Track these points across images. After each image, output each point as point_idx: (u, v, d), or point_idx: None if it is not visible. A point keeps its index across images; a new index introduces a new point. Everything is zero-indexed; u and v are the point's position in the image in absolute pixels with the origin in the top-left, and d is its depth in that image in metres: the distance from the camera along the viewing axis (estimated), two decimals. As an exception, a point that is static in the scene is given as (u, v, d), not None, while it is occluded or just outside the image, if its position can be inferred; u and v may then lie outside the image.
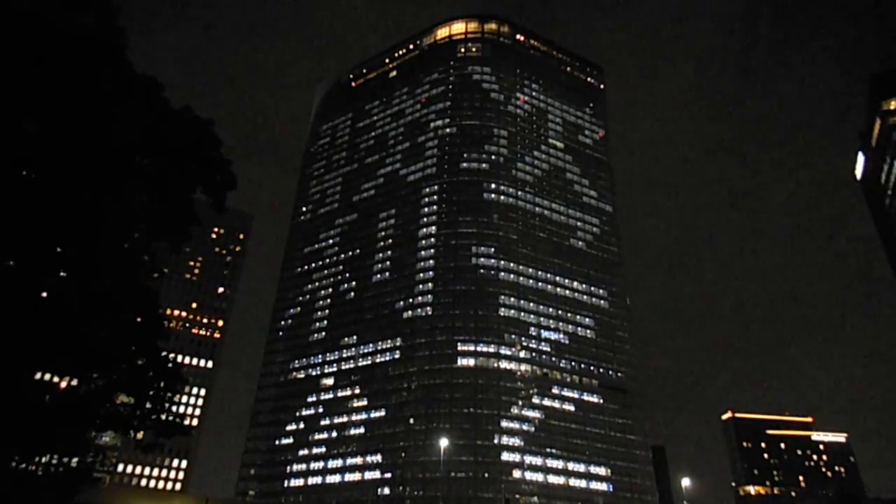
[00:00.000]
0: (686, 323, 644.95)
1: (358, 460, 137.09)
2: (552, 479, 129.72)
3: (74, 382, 22.61)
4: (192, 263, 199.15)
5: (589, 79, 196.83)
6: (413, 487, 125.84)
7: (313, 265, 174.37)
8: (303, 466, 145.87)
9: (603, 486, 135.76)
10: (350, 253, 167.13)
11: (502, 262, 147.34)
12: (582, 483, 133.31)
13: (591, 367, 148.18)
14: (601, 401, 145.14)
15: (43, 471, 22.66)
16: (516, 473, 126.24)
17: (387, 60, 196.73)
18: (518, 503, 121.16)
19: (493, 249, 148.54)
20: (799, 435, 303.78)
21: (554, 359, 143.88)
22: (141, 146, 21.98)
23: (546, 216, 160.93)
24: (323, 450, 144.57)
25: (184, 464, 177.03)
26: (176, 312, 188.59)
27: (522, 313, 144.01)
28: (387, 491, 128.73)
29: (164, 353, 24.16)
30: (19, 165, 19.51)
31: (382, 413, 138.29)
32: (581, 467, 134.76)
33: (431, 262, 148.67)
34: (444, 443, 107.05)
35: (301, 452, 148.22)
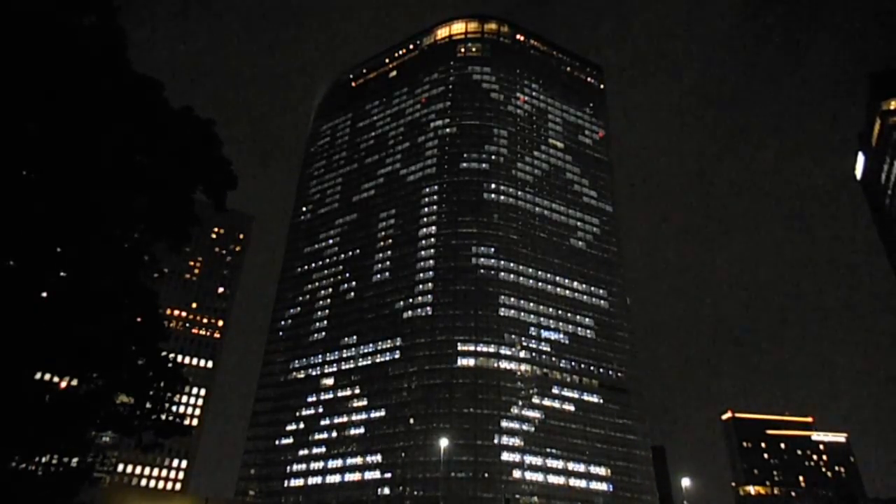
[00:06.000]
0: (686, 323, 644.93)
1: (358, 460, 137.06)
2: (552, 479, 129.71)
3: (74, 382, 22.60)
4: (192, 263, 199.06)
5: (589, 79, 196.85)
6: (413, 487, 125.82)
7: (313, 265, 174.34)
8: (303, 466, 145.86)
9: (603, 486, 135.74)
10: (350, 253, 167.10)
11: (502, 262, 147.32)
12: (582, 483, 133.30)
13: (591, 367, 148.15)
14: (601, 401, 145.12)
15: (43, 471, 22.62)
16: (516, 473, 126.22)
17: (387, 60, 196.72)
18: (518, 503, 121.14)
19: (493, 249, 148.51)
20: (799, 435, 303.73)
21: (554, 359, 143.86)
22: (141, 146, 21.97)
23: (546, 216, 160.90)
24: (323, 450, 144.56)
25: (184, 464, 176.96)
26: (176, 312, 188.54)
27: (522, 313, 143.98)
28: (387, 491, 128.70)
29: (164, 353, 24.14)
30: (19, 165, 19.50)
31: (382, 413, 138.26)
32: (581, 467, 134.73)
33: (431, 262, 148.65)
34: (444, 443, 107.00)
35: (301, 452, 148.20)
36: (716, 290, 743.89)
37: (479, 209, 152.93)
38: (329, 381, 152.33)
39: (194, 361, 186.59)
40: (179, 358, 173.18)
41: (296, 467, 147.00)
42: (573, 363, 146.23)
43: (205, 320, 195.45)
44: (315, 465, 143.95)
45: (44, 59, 18.84)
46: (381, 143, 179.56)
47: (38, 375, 21.80)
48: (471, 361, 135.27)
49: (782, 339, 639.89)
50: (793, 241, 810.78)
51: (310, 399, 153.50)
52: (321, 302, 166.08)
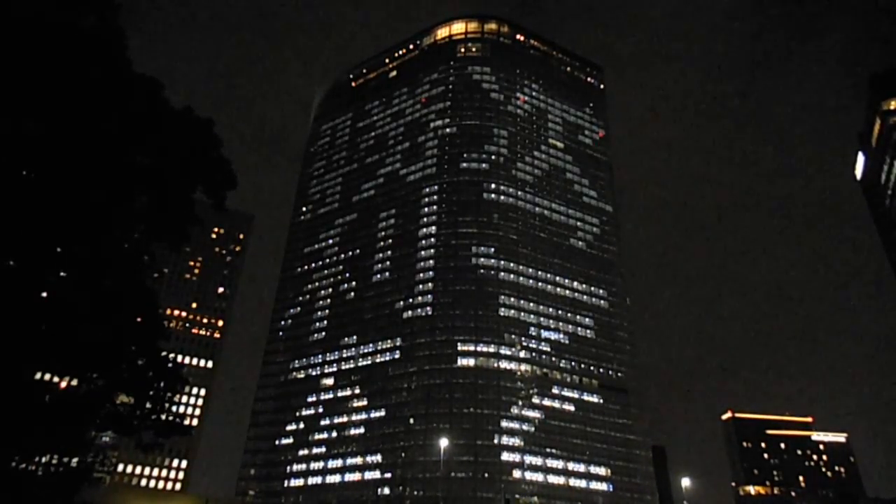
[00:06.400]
0: (686, 323, 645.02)
1: (358, 460, 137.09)
2: (552, 479, 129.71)
3: (74, 382, 22.60)
4: (192, 263, 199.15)
5: (589, 79, 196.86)
6: (413, 487, 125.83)
7: (313, 265, 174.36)
8: (303, 466, 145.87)
9: (603, 486, 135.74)
10: (350, 253, 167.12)
11: (502, 262, 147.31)
12: (582, 483, 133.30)
13: (591, 367, 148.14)
14: (601, 401, 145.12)
15: (43, 471, 22.63)
16: (516, 473, 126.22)
17: (387, 60, 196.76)
18: (518, 503, 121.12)
19: (493, 249, 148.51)
20: (799, 435, 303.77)
21: (554, 359, 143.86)
22: (141, 146, 21.98)
23: (546, 216, 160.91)
24: (323, 450, 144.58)
25: (184, 464, 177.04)
26: (176, 312, 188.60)
27: (522, 313, 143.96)
28: (387, 491, 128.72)
29: (164, 353, 24.15)
30: (19, 165, 19.50)
31: (382, 413, 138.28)
32: (581, 467, 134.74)
33: (431, 262, 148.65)
34: (444, 443, 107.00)
35: (301, 452, 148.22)
36: (715, 289, 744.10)
37: (479, 209, 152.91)
38: (329, 381, 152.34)
39: (194, 361, 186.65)
40: (179, 358, 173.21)
41: (296, 467, 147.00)
42: (573, 363, 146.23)
43: (205, 320, 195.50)
44: (315, 465, 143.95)
45: (44, 60, 18.84)
46: (381, 143, 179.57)
47: (38, 375, 21.81)
48: (471, 361, 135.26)
49: (782, 339, 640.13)
50: (793, 240, 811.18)
51: (310, 399, 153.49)
52: (321, 302, 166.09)
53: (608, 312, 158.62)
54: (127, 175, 21.64)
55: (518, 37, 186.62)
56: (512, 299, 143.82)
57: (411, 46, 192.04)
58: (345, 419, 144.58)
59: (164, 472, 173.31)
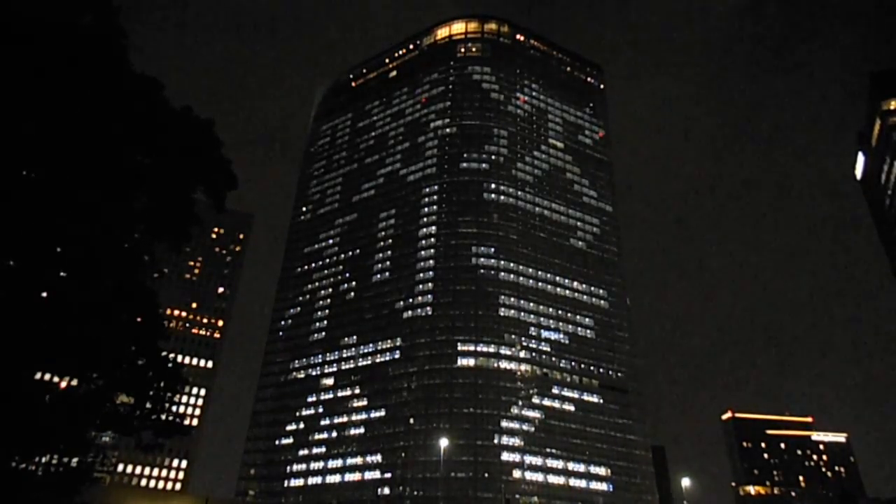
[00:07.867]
0: (686, 323, 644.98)
1: (358, 460, 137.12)
2: (552, 479, 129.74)
3: (74, 382, 22.60)
4: (192, 263, 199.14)
5: (589, 79, 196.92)
6: (413, 487, 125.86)
7: (313, 265, 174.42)
8: (303, 466, 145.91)
9: (603, 486, 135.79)
10: (350, 253, 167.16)
11: (502, 262, 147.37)
12: (582, 483, 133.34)
13: (591, 367, 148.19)
14: (601, 401, 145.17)
15: (43, 471, 22.61)
16: (516, 473, 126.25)
17: (387, 60, 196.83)
18: (518, 503, 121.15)
19: (493, 249, 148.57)
20: (799, 435, 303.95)
21: (554, 359, 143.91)
22: (141, 146, 21.99)
23: (546, 216, 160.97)
24: (323, 450, 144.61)
25: (184, 464, 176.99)
26: (176, 312, 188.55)
27: (522, 313, 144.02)
28: (387, 491, 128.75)
29: (164, 353, 24.14)
30: (19, 165, 19.51)
31: (382, 413, 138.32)
32: (581, 467, 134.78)
33: (431, 262, 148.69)
34: (444, 443, 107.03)
35: (301, 452, 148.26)
36: (716, 289, 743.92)
37: (479, 209, 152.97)
38: (329, 381, 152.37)
39: (194, 361, 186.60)
40: (179, 358, 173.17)
41: (296, 467, 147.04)
42: (573, 363, 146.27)
43: (205, 320, 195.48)
44: (315, 465, 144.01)
45: (44, 60, 18.85)
46: (381, 143, 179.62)
47: (38, 375, 21.80)
48: (471, 361, 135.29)
49: (783, 339, 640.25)
50: (792, 241, 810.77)
51: (310, 399, 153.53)
52: (321, 302, 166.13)
53: (608, 312, 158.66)
54: (127, 175, 21.65)
55: (518, 37, 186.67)
56: (512, 299, 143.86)
57: (411, 46, 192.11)
58: (345, 419, 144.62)
59: (164, 472, 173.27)
